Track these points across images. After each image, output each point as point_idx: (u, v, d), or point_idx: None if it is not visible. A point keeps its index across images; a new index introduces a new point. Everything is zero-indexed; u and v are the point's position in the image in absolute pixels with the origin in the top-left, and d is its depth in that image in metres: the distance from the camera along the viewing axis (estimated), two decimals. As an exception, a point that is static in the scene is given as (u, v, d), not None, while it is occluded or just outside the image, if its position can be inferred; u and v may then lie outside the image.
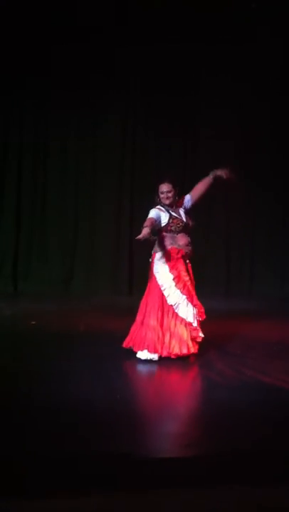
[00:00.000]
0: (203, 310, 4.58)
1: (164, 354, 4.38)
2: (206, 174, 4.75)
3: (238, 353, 4.69)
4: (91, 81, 8.78)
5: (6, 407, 3.16)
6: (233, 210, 9.03)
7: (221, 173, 4.67)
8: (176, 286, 4.48)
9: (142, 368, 4.29)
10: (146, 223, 4.40)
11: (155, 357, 4.39)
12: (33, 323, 6.01)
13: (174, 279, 4.51)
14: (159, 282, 4.52)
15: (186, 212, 4.74)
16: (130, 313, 4.85)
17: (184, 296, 4.46)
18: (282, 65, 8.75)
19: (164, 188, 4.66)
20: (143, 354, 4.41)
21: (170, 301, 4.45)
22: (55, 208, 9.21)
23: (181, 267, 4.58)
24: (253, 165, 9.00)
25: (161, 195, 4.66)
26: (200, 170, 9.03)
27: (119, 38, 8.44)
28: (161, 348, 4.39)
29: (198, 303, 4.57)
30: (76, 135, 9.20)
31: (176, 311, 4.44)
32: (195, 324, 4.45)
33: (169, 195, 4.63)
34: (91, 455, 2.56)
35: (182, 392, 3.84)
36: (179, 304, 4.45)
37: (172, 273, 4.52)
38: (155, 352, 4.38)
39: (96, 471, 2.48)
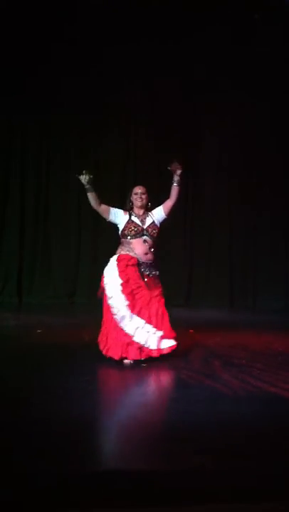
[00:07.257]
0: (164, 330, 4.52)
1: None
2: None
3: (243, 364, 4.66)
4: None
5: (4, 422, 3.09)
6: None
7: (177, 170, 4.73)
8: (122, 292, 4.44)
9: (144, 380, 4.27)
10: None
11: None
12: (39, 331, 6.08)
13: (121, 284, 4.47)
14: (107, 294, 4.51)
15: (158, 222, 4.78)
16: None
17: (126, 303, 4.42)
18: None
19: (138, 189, 4.81)
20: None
21: (113, 311, 4.46)
22: (58, 223, 9.28)
23: (133, 274, 4.54)
24: (256, 176, 9.06)
25: (135, 196, 4.78)
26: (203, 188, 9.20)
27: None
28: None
29: (156, 316, 4.52)
30: (79, 152, 9.26)
31: (118, 322, 4.43)
32: (135, 338, 4.42)
33: (143, 197, 4.77)
34: (87, 473, 2.48)
35: (187, 403, 3.80)
36: (123, 315, 4.44)
37: (121, 278, 4.48)
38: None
39: (91, 488, 2.40)
